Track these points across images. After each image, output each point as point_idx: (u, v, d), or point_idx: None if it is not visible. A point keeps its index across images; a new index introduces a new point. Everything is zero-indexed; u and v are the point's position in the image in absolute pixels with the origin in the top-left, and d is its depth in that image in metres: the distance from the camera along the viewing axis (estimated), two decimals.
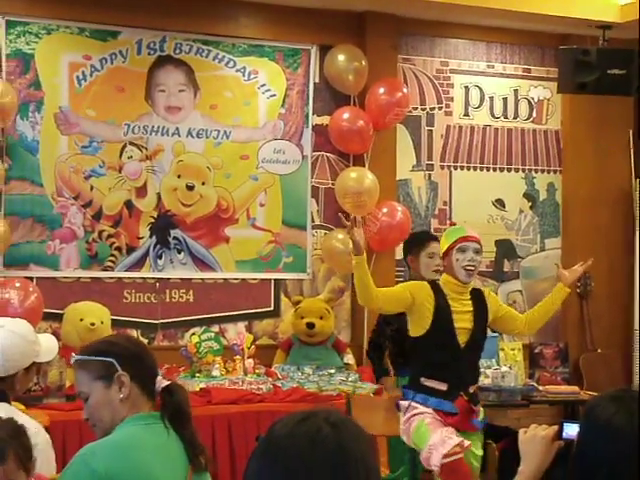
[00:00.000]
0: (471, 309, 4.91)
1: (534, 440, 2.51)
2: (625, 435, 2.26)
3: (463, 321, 4.86)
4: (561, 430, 2.49)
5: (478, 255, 4.93)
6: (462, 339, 4.84)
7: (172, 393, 2.75)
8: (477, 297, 4.98)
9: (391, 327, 5.85)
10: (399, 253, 7.23)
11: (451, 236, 4.98)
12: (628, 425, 2.26)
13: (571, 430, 2.45)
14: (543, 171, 7.74)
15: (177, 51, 6.72)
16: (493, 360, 6.55)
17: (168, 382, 2.77)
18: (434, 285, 4.92)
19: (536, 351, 7.13)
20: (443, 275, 4.98)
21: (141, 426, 2.70)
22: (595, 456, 2.27)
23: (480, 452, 4.94)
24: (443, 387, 4.80)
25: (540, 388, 6.49)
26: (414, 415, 4.79)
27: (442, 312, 4.83)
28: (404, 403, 4.88)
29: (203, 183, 6.79)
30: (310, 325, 6.57)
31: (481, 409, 4.97)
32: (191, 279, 6.76)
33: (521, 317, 5.14)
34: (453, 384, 4.80)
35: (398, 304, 4.90)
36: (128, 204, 6.61)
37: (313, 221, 7.08)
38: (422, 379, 4.84)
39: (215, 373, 5.90)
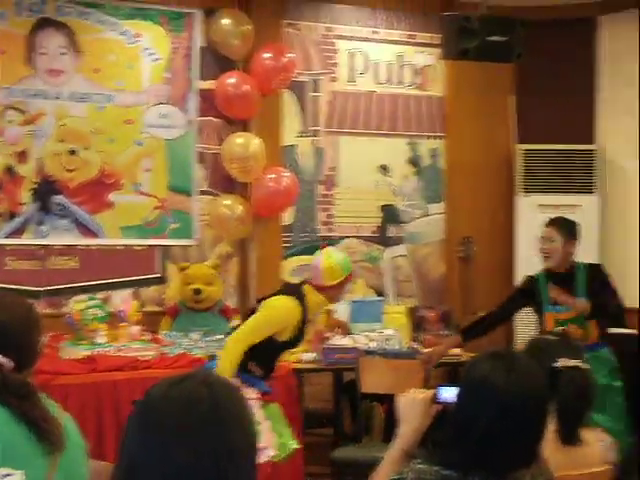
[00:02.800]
0: None
1: (413, 403, 2.55)
2: (500, 392, 2.30)
3: None
4: (437, 394, 2.54)
5: None
6: None
7: None
8: None
9: None
10: (286, 219, 7.27)
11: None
12: (504, 382, 2.32)
13: (446, 393, 2.51)
14: (427, 137, 7.81)
15: (59, 13, 6.58)
16: (378, 324, 6.64)
17: None
18: None
19: (420, 314, 7.24)
20: None
21: None
22: (471, 413, 2.32)
23: None
24: None
25: (424, 350, 6.59)
26: None
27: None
28: None
29: (86, 148, 6.68)
30: (197, 291, 6.55)
31: None
32: (75, 245, 6.66)
33: None
34: None
35: None
36: (9, 169, 6.47)
37: (199, 187, 7.04)
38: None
39: (100, 340, 5.83)
